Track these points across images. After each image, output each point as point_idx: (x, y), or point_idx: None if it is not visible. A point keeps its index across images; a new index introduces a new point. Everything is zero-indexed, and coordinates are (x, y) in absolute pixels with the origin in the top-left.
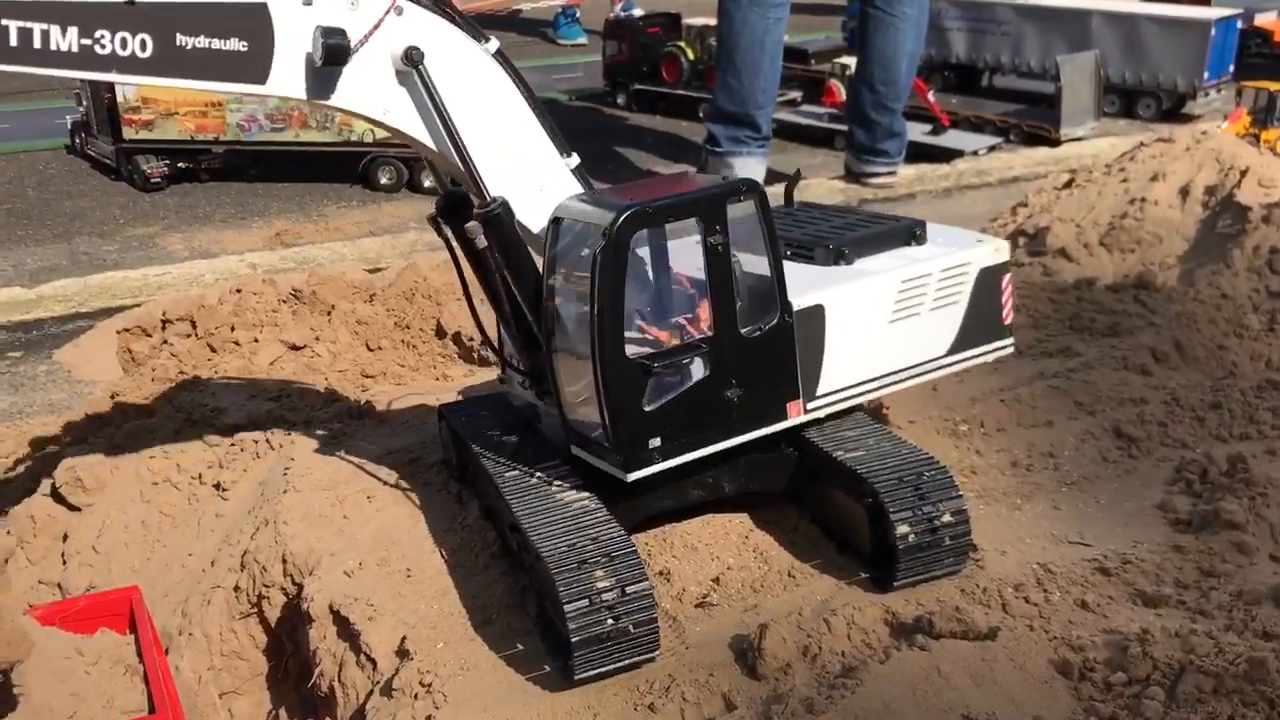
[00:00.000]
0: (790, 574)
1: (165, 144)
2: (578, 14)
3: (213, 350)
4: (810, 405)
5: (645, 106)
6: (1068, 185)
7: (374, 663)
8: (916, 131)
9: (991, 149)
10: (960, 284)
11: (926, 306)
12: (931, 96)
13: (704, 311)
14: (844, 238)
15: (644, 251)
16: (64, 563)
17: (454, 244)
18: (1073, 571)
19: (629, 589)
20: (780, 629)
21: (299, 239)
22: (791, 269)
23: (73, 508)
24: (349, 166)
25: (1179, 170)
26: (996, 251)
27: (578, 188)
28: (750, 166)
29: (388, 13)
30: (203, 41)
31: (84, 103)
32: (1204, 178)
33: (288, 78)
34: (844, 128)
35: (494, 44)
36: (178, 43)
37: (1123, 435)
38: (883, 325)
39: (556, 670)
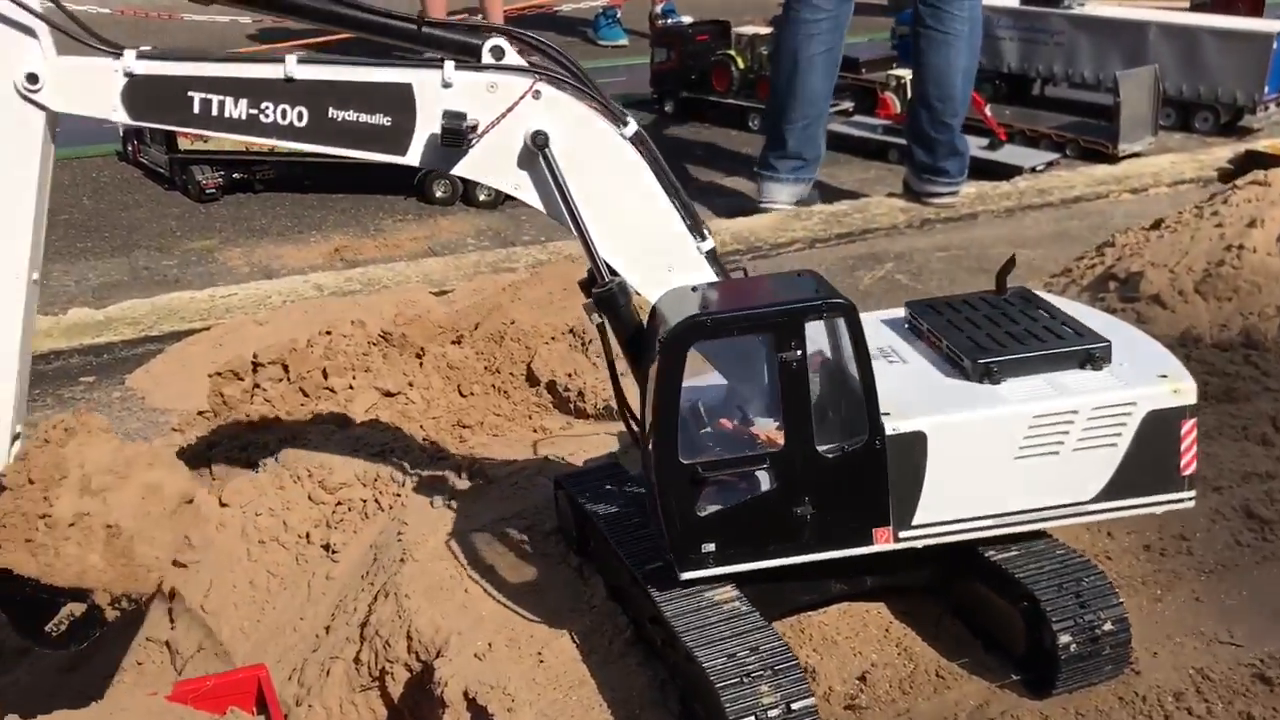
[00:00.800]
0: (938, 674)
1: (221, 155)
2: (618, 14)
3: (305, 395)
4: (904, 535)
5: (693, 115)
6: (1155, 226)
7: None
8: (973, 146)
9: (1049, 165)
10: (1118, 425)
11: (1069, 446)
12: (988, 110)
13: (776, 424)
14: (1003, 351)
15: (715, 352)
16: (171, 622)
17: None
18: (1231, 678)
19: (794, 705)
20: None
21: (359, 256)
22: (930, 376)
23: (179, 565)
24: (403, 179)
25: (1278, 216)
26: (1177, 393)
27: (706, 270)
28: (774, 191)
29: (523, 97)
30: (351, 115)
31: None
32: None
33: (426, 150)
34: (899, 140)
35: (632, 126)
36: (329, 115)
37: (1254, 516)
38: (1006, 461)
39: None
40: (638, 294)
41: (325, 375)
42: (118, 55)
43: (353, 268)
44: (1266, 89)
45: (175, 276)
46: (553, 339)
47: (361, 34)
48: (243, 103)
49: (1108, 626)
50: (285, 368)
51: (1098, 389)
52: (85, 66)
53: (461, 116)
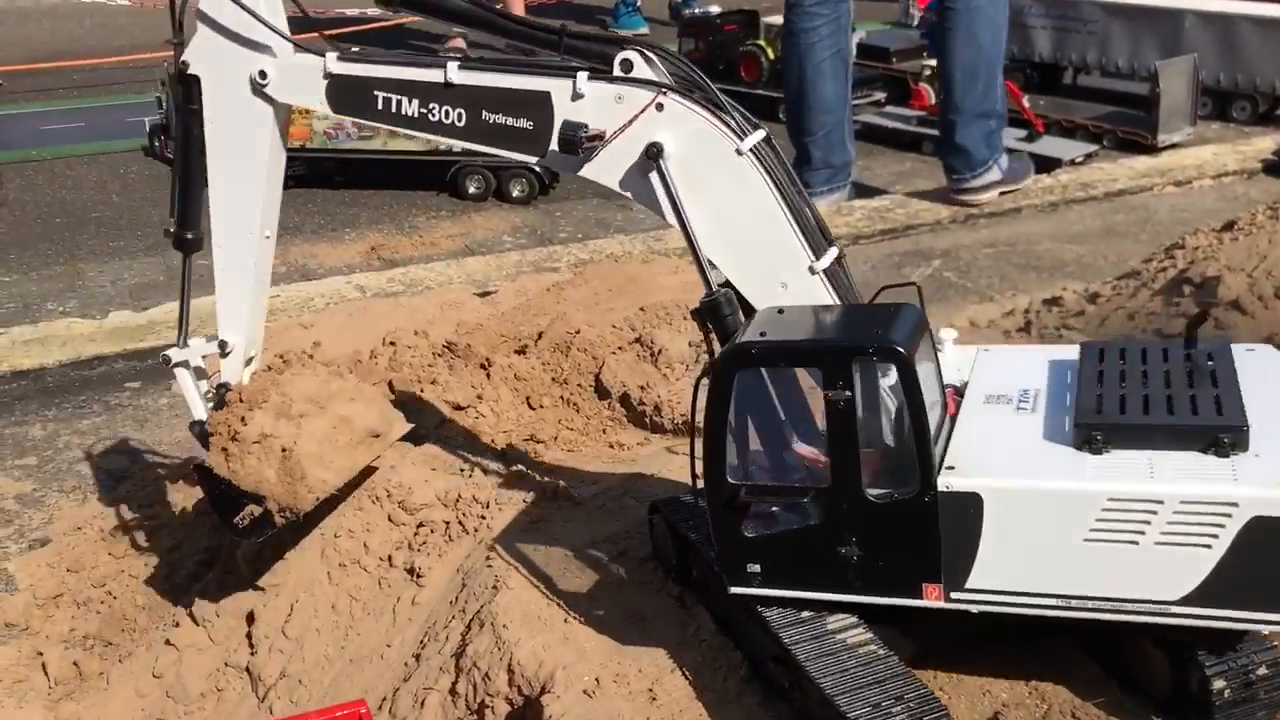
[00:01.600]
0: (1074, 715)
1: None
2: (639, 2)
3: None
4: (956, 596)
5: None
6: (1228, 228)
7: None
8: (1010, 138)
9: (1089, 156)
10: (1214, 525)
11: (1150, 539)
12: (1025, 101)
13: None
14: (1121, 417)
15: (769, 381)
16: (251, 647)
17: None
18: None
19: None
20: None
21: (396, 255)
22: (1038, 431)
23: (257, 586)
24: (435, 174)
25: None
26: None
27: (819, 290)
28: None
29: (646, 108)
30: (501, 118)
31: (164, 105)
32: None
33: (559, 154)
34: (933, 131)
35: (754, 137)
36: (483, 118)
37: None
38: (1074, 541)
39: None
40: (753, 308)
41: (392, 388)
42: (322, 57)
43: (392, 267)
44: None
45: (212, 277)
46: (620, 349)
47: (512, 41)
48: (415, 102)
49: (1262, 671)
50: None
51: (1197, 479)
52: (300, 65)
53: (579, 127)
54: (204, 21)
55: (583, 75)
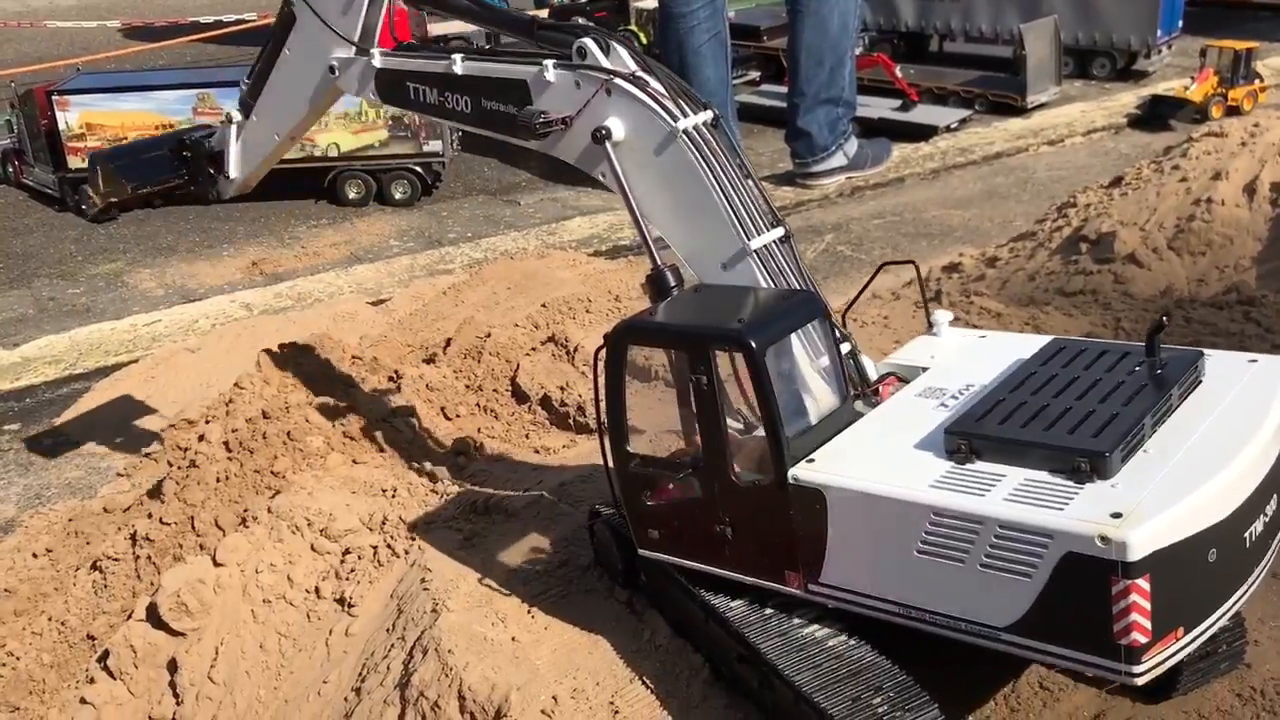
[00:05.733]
0: (1042, 686)
1: None
2: None
3: (291, 439)
4: (813, 588)
5: None
6: (1115, 184)
7: None
8: (885, 108)
9: (963, 122)
10: (1030, 556)
11: (973, 560)
12: (898, 71)
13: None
14: (1003, 427)
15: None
16: (177, 698)
17: None
18: None
19: None
20: None
21: (280, 269)
22: (924, 431)
23: (175, 633)
24: (313, 182)
25: (1241, 167)
26: (1104, 543)
27: (753, 271)
28: None
29: (596, 93)
30: (496, 105)
31: (15, 129)
32: (1269, 174)
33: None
34: None
35: (693, 119)
36: (483, 104)
37: None
38: (908, 552)
39: None
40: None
41: (287, 409)
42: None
43: (277, 282)
44: (1159, 33)
45: (85, 305)
46: (533, 349)
47: (488, 29)
48: (434, 92)
49: (1223, 623)
50: (259, 408)
51: (1023, 504)
52: (360, 62)
53: (539, 114)
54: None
55: (549, 63)
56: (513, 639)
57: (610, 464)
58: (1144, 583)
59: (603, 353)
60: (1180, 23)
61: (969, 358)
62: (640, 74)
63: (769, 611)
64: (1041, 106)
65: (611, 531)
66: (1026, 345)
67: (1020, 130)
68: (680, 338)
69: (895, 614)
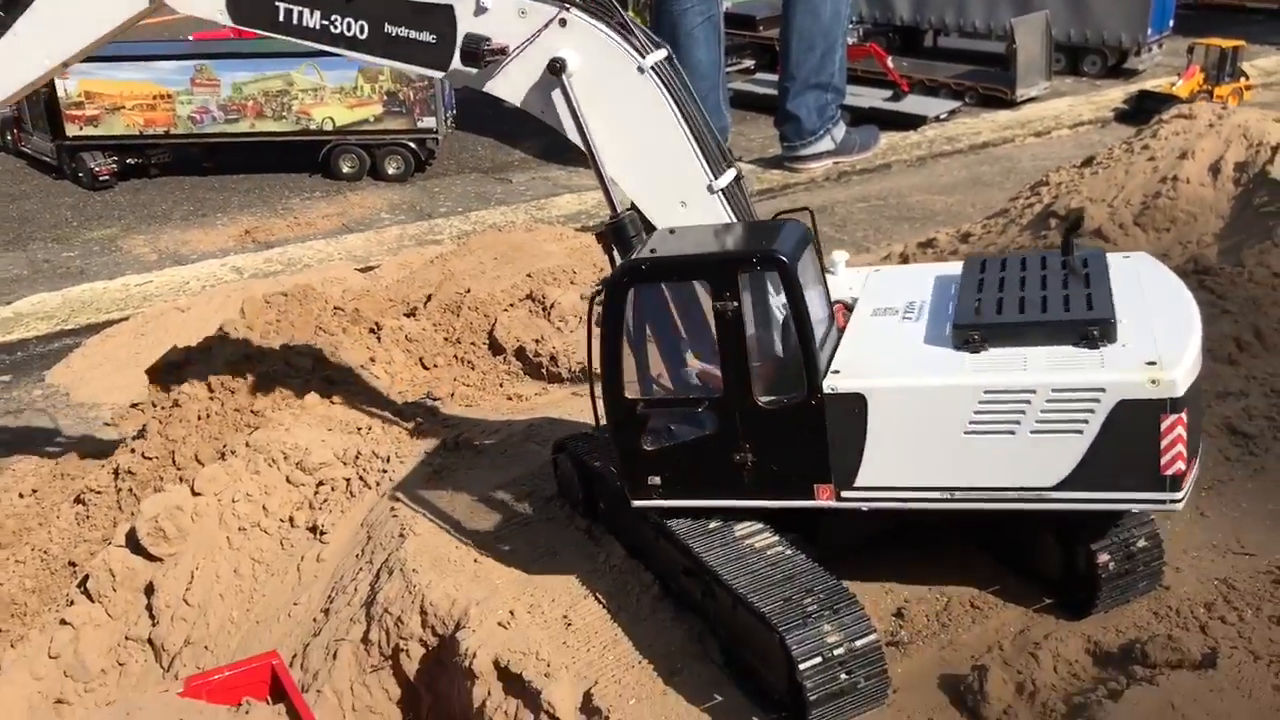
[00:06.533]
0: (973, 604)
1: (112, 139)
2: None
3: (271, 381)
4: (846, 495)
5: None
6: (1087, 164)
7: None
8: (877, 98)
9: (952, 113)
10: (1082, 412)
11: (1025, 428)
12: (890, 63)
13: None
14: (997, 316)
15: (665, 297)
16: (152, 618)
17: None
18: (1253, 586)
19: (859, 643)
20: (996, 669)
21: (272, 237)
22: (920, 336)
23: (152, 558)
24: (308, 156)
25: (1207, 147)
26: (1155, 384)
27: (717, 208)
28: None
29: (549, 23)
30: (404, 31)
31: None
32: (1233, 154)
33: (462, 68)
34: None
35: (655, 55)
36: (386, 30)
37: (1237, 432)
38: (954, 435)
39: None
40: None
41: (280, 351)
42: None
43: (268, 248)
44: (1149, 31)
45: (79, 268)
46: (511, 305)
47: None
48: (316, 14)
49: (1142, 543)
50: (243, 352)
51: (1067, 369)
52: None
53: (482, 40)
54: None
55: None
56: (475, 560)
57: (605, 414)
58: (1186, 416)
59: (599, 300)
60: (1171, 22)
61: (890, 284)
62: (591, 7)
63: (713, 527)
64: (1031, 100)
65: (574, 463)
66: (933, 269)
67: (1008, 122)
68: (703, 266)
69: (937, 500)
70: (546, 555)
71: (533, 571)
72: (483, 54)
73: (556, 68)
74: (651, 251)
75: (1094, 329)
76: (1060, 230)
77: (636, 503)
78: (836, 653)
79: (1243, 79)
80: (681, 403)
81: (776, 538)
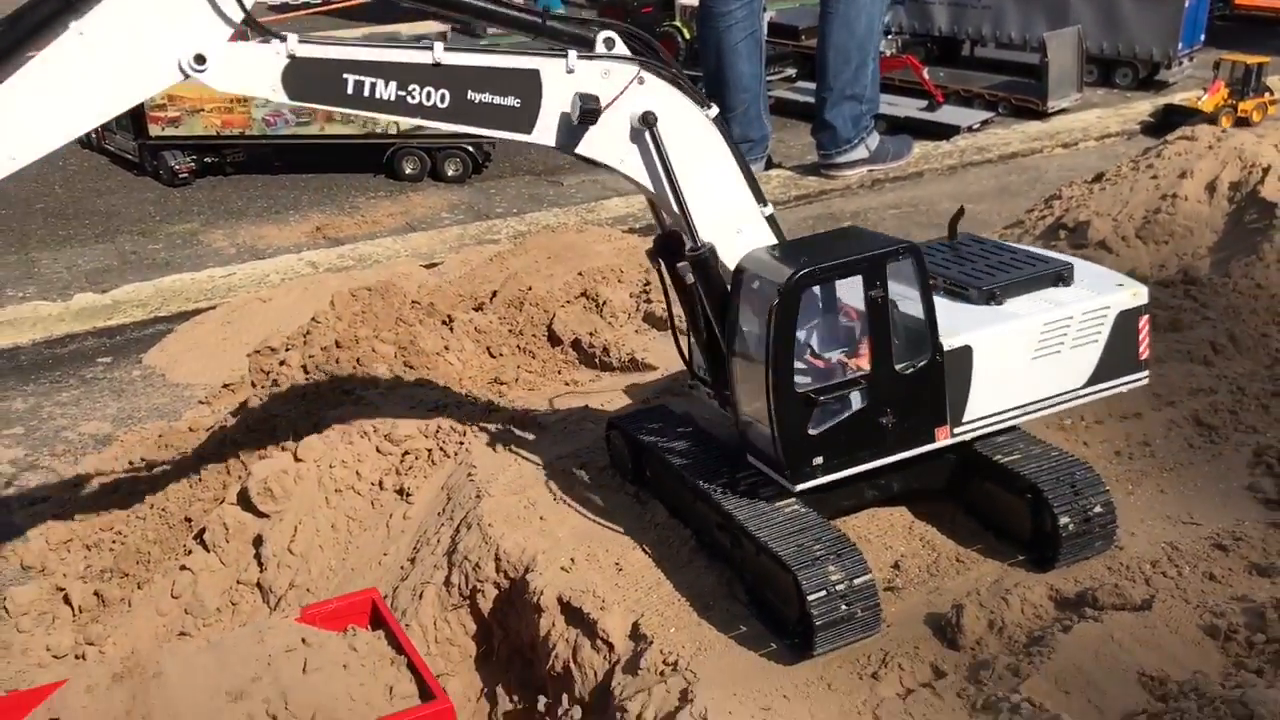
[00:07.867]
0: (958, 559)
1: (191, 139)
2: None
3: (359, 364)
4: (957, 430)
5: None
6: (1097, 180)
7: (610, 646)
8: (912, 108)
9: (985, 123)
10: (1099, 325)
11: (1068, 345)
12: (926, 74)
13: (864, 351)
14: (996, 279)
15: (816, 298)
16: (261, 566)
17: (665, 275)
18: (1195, 549)
19: (856, 581)
20: (972, 608)
21: (341, 234)
22: (947, 305)
23: (261, 514)
24: (372, 157)
25: (1205, 168)
26: (1135, 296)
27: (768, 234)
28: None
29: (631, 82)
30: (487, 97)
31: None
32: (1228, 175)
33: (547, 129)
34: None
35: (714, 110)
36: (468, 98)
37: (1202, 424)
38: (1025, 362)
39: (785, 648)
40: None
41: (357, 341)
42: (282, 40)
43: (339, 245)
44: (1180, 45)
45: (165, 259)
46: (568, 303)
47: (494, 25)
48: (392, 85)
49: (1098, 509)
50: (333, 339)
51: (1082, 299)
52: (251, 49)
53: (595, 98)
54: None
55: (573, 53)
56: (541, 518)
57: (772, 413)
58: (1147, 316)
59: (685, 275)
60: (1203, 36)
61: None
62: (658, 65)
63: (743, 489)
64: (1062, 112)
65: (625, 438)
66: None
67: (1037, 133)
68: (859, 264)
69: (1016, 416)
70: (601, 514)
71: (589, 528)
72: (587, 115)
73: (650, 120)
74: (800, 261)
75: (1064, 273)
76: (1068, 240)
77: (800, 486)
78: (839, 588)
79: (1267, 94)
80: (845, 385)
81: (795, 499)
